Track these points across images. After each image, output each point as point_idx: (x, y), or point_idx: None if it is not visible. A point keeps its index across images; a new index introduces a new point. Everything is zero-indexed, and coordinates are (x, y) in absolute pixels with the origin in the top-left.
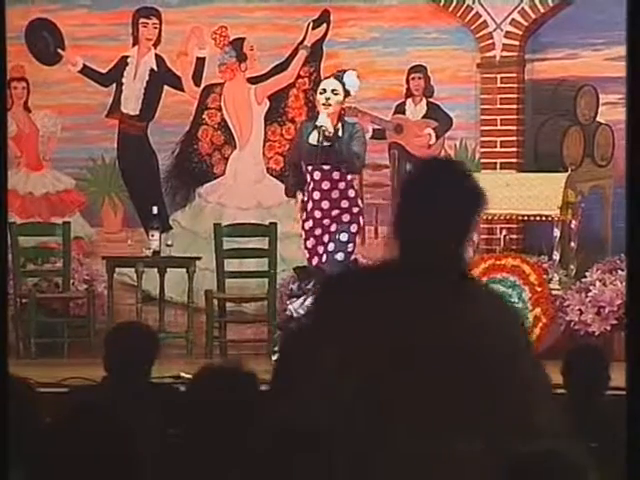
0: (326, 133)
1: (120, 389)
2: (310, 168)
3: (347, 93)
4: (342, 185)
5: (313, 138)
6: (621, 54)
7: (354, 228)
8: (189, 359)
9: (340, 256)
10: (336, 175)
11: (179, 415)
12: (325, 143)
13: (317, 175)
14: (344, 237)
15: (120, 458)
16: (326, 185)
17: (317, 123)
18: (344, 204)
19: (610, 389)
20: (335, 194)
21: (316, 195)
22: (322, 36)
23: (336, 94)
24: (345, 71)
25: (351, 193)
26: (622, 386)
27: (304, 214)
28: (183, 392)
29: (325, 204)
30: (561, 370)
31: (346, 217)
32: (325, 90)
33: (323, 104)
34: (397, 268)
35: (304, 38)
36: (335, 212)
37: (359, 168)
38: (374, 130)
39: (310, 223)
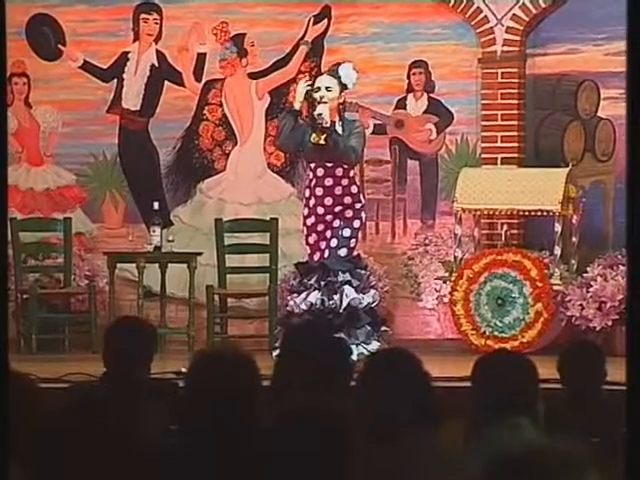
0: (323, 123)
1: (119, 385)
2: (313, 165)
3: (344, 87)
4: (345, 181)
5: (313, 136)
6: (621, 49)
7: (357, 223)
8: (190, 355)
9: (343, 251)
10: (339, 172)
11: (179, 408)
12: (321, 137)
13: (320, 172)
14: (347, 232)
15: (119, 454)
16: (329, 182)
17: (315, 112)
18: (347, 200)
19: (611, 384)
20: (338, 190)
21: (319, 191)
22: (323, 31)
23: (329, 91)
24: (340, 64)
25: (354, 189)
26: (623, 381)
27: (306, 210)
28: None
29: (328, 200)
30: (557, 366)
31: (349, 213)
32: (319, 88)
33: (318, 102)
34: None
35: (305, 33)
36: (338, 208)
37: (355, 161)
38: (375, 125)
39: (312, 219)
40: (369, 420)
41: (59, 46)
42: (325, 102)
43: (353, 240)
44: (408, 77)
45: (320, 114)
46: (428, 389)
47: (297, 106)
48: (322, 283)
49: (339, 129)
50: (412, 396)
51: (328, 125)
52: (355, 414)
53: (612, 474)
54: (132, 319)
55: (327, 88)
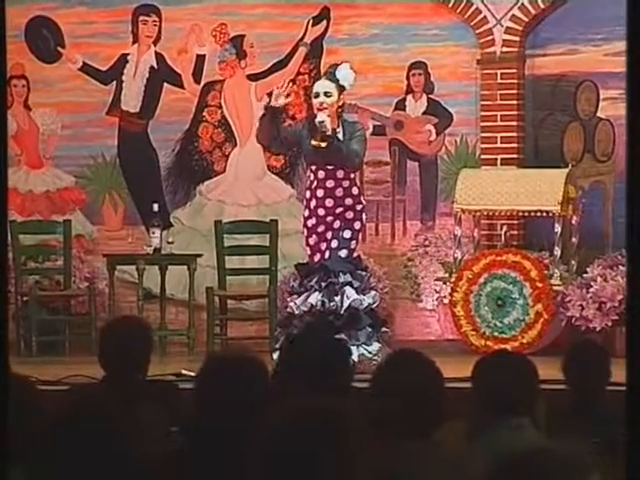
0: (325, 131)
1: (117, 387)
2: (314, 168)
3: (342, 88)
4: (346, 183)
5: (313, 140)
6: (621, 49)
7: (357, 225)
8: (190, 356)
9: (343, 253)
10: (340, 174)
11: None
12: (322, 144)
13: (321, 174)
14: (347, 234)
15: (118, 456)
16: (330, 184)
17: (316, 120)
18: (348, 202)
19: (611, 385)
20: (339, 192)
21: (320, 193)
22: (322, 33)
23: (329, 96)
24: (338, 65)
25: (355, 191)
26: (623, 382)
27: (307, 211)
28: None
29: (329, 202)
30: (561, 366)
31: (350, 214)
32: (318, 94)
33: (318, 108)
34: None
35: (304, 35)
36: (339, 210)
37: (358, 166)
38: (374, 126)
39: (313, 220)
40: (375, 421)
41: (58, 48)
42: (325, 108)
43: (354, 241)
44: (407, 78)
45: (322, 122)
46: (438, 391)
47: (277, 103)
48: (323, 284)
49: (340, 133)
50: (420, 397)
51: (330, 133)
52: (362, 415)
53: (615, 474)
54: (126, 319)
55: (326, 93)
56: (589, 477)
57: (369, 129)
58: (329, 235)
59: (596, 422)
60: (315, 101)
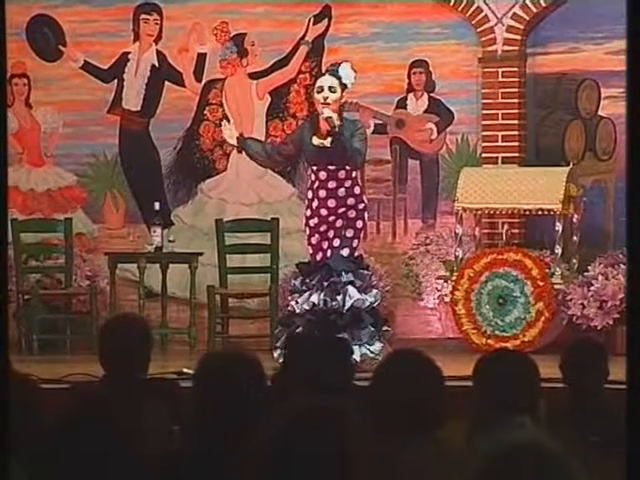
0: (333, 126)
1: (117, 385)
2: (315, 168)
3: (344, 86)
4: (348, 183)
5: (315, 138)
6: (622, 48)
7: (359, 224)
8: (191, 355)
9: (345, 252)
10: (342, 174)
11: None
12: (327, 143)
13: (323, 175)
14: (350, 233)
15: (119, 454)
16: (332, 184)
17: (322, 115)
18: (350, 201)
19: (612, 383)
20: (341, 192)
21: (322, 194)
22: (323, 31)
23: (333, 91)
24: (339, 64)
25: (357, 190)
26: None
27: (309, 211)
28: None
29: (331, 202)
30: (559, 364)
31: (352, 213)
32: (322, 88)
33: (322, 103)
34: None
35: (305, 33)
36: (341, 209)
37: (360, 164)
38: (375, 125)
39: (315, 220)
40: (377, 419)
41: (59, 47)
42: (329, 103)
43: (356, 240)
44: (408, 77)
45: (330, 117)
46: (439, 390)
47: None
48: (325, 283)
49: (342, 130)
50: (421, 396)
51: (337, 128)
52: (364, 414)
53: (614, 473)
54: (126, 318)
55: (330, 88)
56: (575, 474)
57: (370, 127)
58: (331, 234)
59: (594, 420)
60: (318, 96)
